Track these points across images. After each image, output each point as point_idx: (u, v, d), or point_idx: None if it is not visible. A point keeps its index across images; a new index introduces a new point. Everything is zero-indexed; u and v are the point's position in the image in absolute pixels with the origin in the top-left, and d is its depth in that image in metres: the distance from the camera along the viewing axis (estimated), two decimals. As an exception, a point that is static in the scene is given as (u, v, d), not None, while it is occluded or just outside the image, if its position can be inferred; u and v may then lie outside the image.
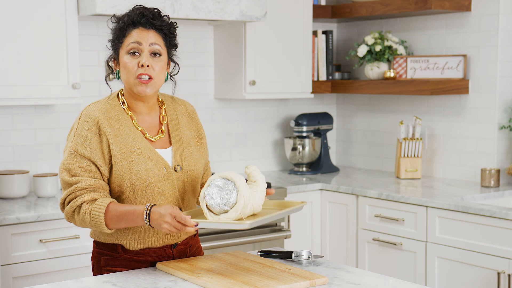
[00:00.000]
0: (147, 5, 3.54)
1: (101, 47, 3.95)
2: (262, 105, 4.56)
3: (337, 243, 4.12)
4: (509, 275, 3.25)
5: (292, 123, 4.50)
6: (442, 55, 4.15)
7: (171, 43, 2.31)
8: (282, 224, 3.95)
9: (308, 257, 2.39)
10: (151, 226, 2.15)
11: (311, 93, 4.43)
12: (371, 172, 4.55)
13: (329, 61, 4.57)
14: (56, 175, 3.63)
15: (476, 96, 4.05)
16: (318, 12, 4.51)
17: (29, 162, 3.77)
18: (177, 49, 2.36)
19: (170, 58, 2.34)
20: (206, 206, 2.18)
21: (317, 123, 4.53)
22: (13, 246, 3.17)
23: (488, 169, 3.88)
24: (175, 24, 2.34)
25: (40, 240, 3.23)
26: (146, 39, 2.23)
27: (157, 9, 2.31)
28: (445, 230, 3.52)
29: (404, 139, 4.24)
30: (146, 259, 2.34)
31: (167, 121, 2.36)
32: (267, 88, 4.21)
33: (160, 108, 2.38)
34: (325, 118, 4.58)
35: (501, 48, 3.94)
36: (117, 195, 2.29)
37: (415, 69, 4.23)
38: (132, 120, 2.30)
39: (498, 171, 3.87)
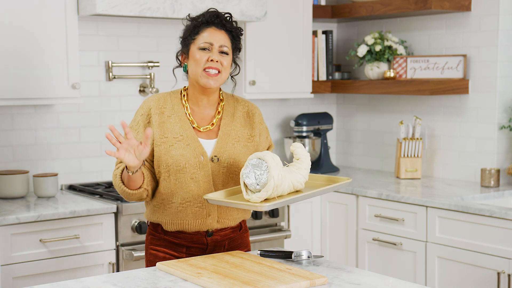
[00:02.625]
0: (148, 5, 3.58)
1: (101, 47, 3.95)
2: (262, 105, 4.56)
3: (337, 243, 4.12)
4: (509, 275, 3.25)
5: (292, 123, 4.50)
6: (442, 55, 4.15)
7: (236, 46, 2.53)
8: (282, 224, 3.95)
9: (308, 257, 2.39)
10: (130, 171, 2.33)
11: (311, 93, 4.43)
12: (371, 172, 4.55)
13: (329, 61, 4.57)
14: (55, 175, 3.63)
15: (476, 96, 4.05)
16: (318, 12, 4.51)
17: (29, 162, 3.77)
18: (240, 52, 2.56)
19: (233, 60, 2.53)
20: (244, 184, 2.29)
21: (317, 123, 4.53)
22: (13, 246, 3.17)
23: (488, 169, 3.88)
24: (241, 29, 2.55)
25: (40, 240, 3.23)
26: (218, 39, 2.44)
27: (229, 13, 2.52)
28: (445, 230, 3.52)
29: (404, 139, 4.24)
30: (182, 243, 2.50)
31: (221, 116, 2.53)
32: (267, 88, 4.22)
33: (218, 104, 2.55)
34: (325, 118, 4.58)
35: (501, 48, 3.94)
36: (158, 177, 2.49)
37: (415, 69, 4.23)
38: (187, 111, 2.49)
39: (498, 171, 3.87)
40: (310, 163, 2.42)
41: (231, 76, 2.57)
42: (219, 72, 2.43)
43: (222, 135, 2.49)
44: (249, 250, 2.64)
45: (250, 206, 2.24)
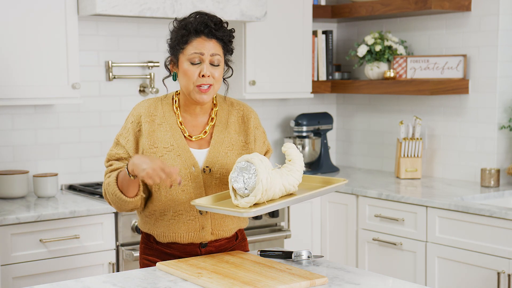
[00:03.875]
0: (148, 5, 3.57)
1: (101, 47, 3.95)
2: (262, 105, 4.56)
3: (337, 243, 4.12)
4: (509, 275, 3.25)
5: (292, 123, 4.50)
6: (442, 55, 4.15)
7: (228, 50, 2.39)
8: (282, 224, 3.95)
9: (308, 257, 2.39)
10: (131, 175, 2.22)
11: (311, 93, 4.43)
12: (371, 172, 4.55)
13: (329, 61, 4.57)
14: (55, 175, 3.63)
15: (476, 96, 4.05)
16: (318, 12, 4.51)
17: (29, 162, 3.77)
18: (232, 54, 2.43)
19: (225, 63, 2.41)
20: (233, 189, 2.20)
21: (317, 123, 4.53)
22: (13, 246, 3.17)
23: (488, 169, 3.88)
24: (233, 30, 2.41)
25: (40, 240, 3.23)
26: (208, 49, 2.31)
27: (220, 19, 2.37)
28: (445, 230, 3.52)
29: (404, 139, 4.24)
30: (175, 254, 2.42)
31: (214, 123, 2.42)
32: (267, 88, 4.21)
33: (212, 110, 2.44)
34: (325, 118, 4.58)
35: (501, 48, 3.94)
36: (148, 189, 2.41)
37: (415, 69, 4.23)
38: (178, 119, 2.39)
39: (498, 171, 3.87)
40: (303, 164, 2.30)
41: (224, 79, 2.44)
42: (210, 86, 2.32)
43: (214, 143, 2.39)
44: None
45: (236, 212, 2.12)
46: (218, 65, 2.33)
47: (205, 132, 2.41)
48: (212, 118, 2.43)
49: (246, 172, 2.17)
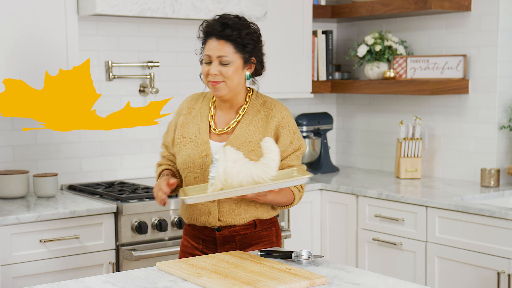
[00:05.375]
0: (148, 5, 3.57)
1: (101, 47, 3.95)
2: (262, 105, 4.56)
3: (337, 243, 4.12)
4: (509, 275, 3.25)
5: (292, 123, 4.49)
6: (442, 55, 4.15)
7: (245, 49, 2.51)
8: (282, 224, 3.95)
9: (308, 257, 2.39)
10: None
11: (311, 93, 4.43)
12: (371, 172, 4.55)
13: (329, 61, 4.57)
14: (55, 175, 3.63)
15: (476, 96, 4.05)
16: (318, 12, 4.51)
17: (29, 162, 3.77)
18: (252, 51, 2.54)
19: (250, 61, 2.55)
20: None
21: (317, 123, 4.53)
22: (13, 246, 3.16)
23: (488, 169, 3.88)
24: (252, 32, 2.53)
25: (40, 240, 3.23)
26: (215, 50, 2.49)
27: (231, 19, 2.51)
28: (445, 230, 3.52)
29: (404, 139, 4.24)
30: (198, 235, 2.63)
31: (239, 120, 2.58)
32: (267, 88, 4.21)
33: (241, 107, 2.60)
34: (325, 118, 4.58)
35: (501, 48, 3.94)
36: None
37: (415, 69, 4.23)
38: (209, 112, 2.61)
39: (498, 171, 3.87)
40: (276, 158, 2.33)
41: (253, 78, 2.61)
42: (222, 81, 2.50)
43: (232, 138, 2.54)
44: (275, 246, 2.64)
45: (183, 199, 2.33)
46: (227, 64, 2.49)
47: (229, 127, 2.57)
48: (239, 115, 2.58)
49: (217, 163, 2.32)
